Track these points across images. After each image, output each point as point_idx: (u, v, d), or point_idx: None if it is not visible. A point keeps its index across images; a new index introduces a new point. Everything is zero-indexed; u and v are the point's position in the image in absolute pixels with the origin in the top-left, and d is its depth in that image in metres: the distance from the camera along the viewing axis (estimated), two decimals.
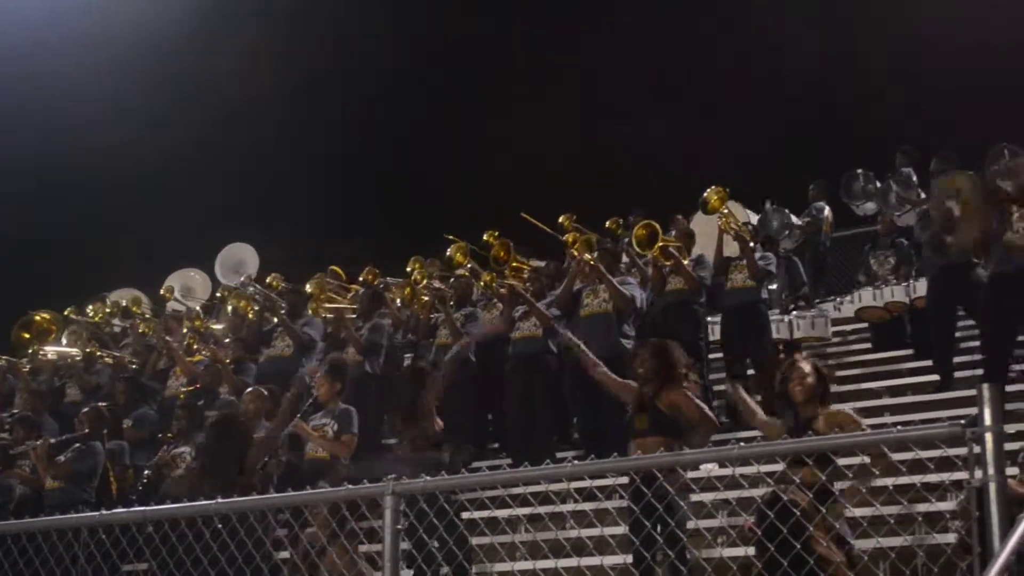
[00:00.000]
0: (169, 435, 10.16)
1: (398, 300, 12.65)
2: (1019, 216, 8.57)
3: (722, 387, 9.97)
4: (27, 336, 13.19)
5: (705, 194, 11.38)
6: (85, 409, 10.19)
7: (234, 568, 5.39)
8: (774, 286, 11.81)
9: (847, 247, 14.85)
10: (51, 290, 15.80)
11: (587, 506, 7.54)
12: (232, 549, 5.33)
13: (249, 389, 9.92)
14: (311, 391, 9.62)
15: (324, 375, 9.38)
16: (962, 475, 5.45)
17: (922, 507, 6.66)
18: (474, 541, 7.63)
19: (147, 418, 11.43)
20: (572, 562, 6.03)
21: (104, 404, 10.62)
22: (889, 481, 5.23)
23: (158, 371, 12.44)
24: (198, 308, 14.19)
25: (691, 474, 7.25)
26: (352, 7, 20.81)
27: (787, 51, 19.01)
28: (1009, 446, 4.10)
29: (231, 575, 5.36)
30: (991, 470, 3.32)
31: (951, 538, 6.05)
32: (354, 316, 11.82)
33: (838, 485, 6.01)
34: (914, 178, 12.97)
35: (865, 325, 12.24)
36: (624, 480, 6.70)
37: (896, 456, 4.49)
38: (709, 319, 11.60)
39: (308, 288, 12.38)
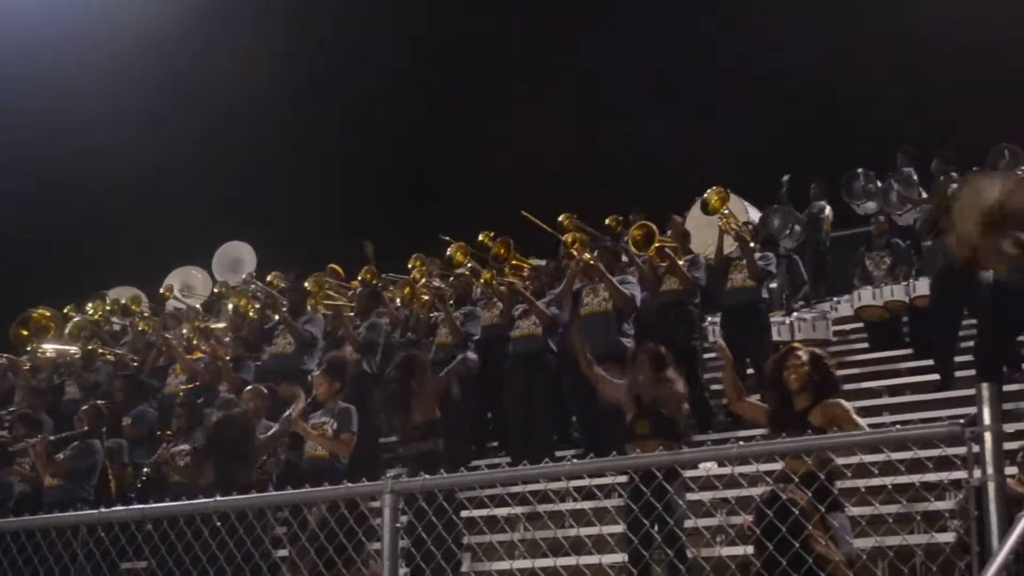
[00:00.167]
0: (168, 433, 10.16)
1: (398, 300, 12.66)
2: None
3: (719, 387, 9.98)
4: (25, 333, 13.18)
5: (705, 195, 11.38)
6: (84, 407, 10.19)
7: (233, 566, 5.39)
8: (774, 285, 11.81)
9: (847, 247, 14.84)
10: (51, 290, 15.78)
11: (586, 505, 7.54)
12: (231, 547, 5.33)
13: (249, 387, 9.92)
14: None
15: (323, 373, 9.37)
16: (961, 474, 5.46)
17: (921, 506, 6.66)
18: (473, 540, 7.64)
19: (146, 416, 11.43)
20: (571, 561, 6.03)
21: (103, 402, 10.62)
22: (888, 480, 5.23)
23: (157, 368, 12.44)
24: (198, 306, 14.19)
25: (690, 473, 7.25)
26: (352, 7, 20.82)
27: (787, 51, 19.02)
28: (1008, 445, 4.10)
29: (230, 573, 5.36)
30: (990, 469, 3.32)
31: (950, 537, 6.05)
32: (352, 314, 11.82)
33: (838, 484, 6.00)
34: (915, 177, 12.98)
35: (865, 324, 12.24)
36: (623, 479, 6.71)
37: (895, 455, 4.48)
38: (709, 319, 11.62)
39: (307, 285, 12.39)
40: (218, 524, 5.29)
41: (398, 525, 4.11)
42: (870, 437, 3.97)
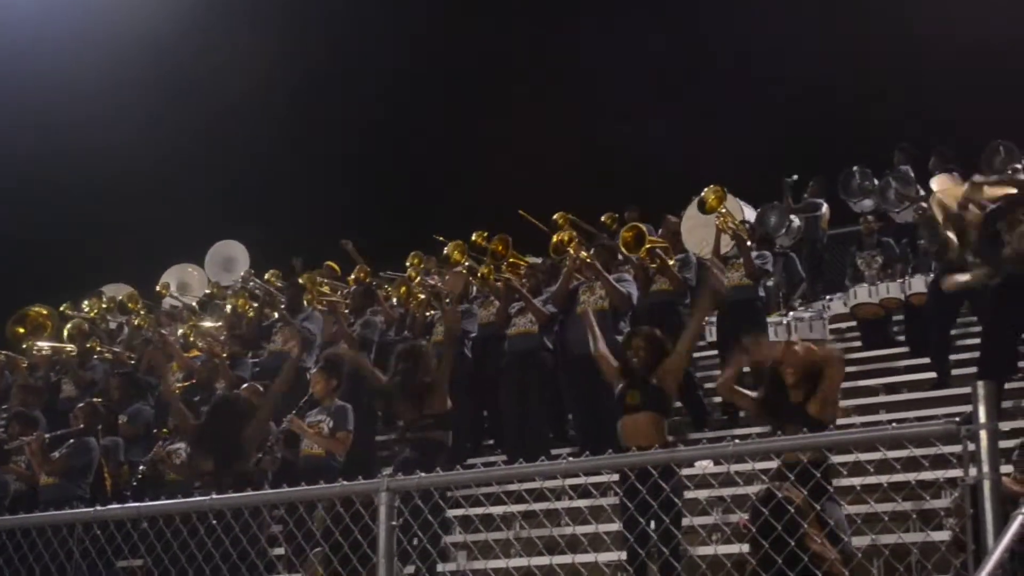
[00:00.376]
0: (164, 431, 10.15)
1: (394, 299, 12.65)
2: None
3: (713, 385, 9.96)
4: (21, 331, 13.18)
5: (703, 194, 11.37)
6: (80, 405, 10.19)
7: (228, 564, 5.38)
8: (771, 282, 11.81)
9: (844, 244, 14.84)
10: (50, 289, 15.78)
11: (582, 503, 7.52)
12: (227, 545, 5.31)
13: (245, 384, 9.92)
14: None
15: (319, 371, 9.34)
16: (956, 472, 5.44)
17: (916, 504, 6.65)
18: (469, 538, 7.63)
19: (142, 414, 11.41)
20: (567, 559, 6.01)
21: (99, 400, 10.61)
22: (884, 478, 5.22)
23: (153, 366, 12.42)
24: (194, 304, 14.19)
25: (686, 471, 7.23)
26: (352, 7, 20.83)
27: (787, 51, 19.02)
28: (1004, 443, 4.10)
29: (225, 571, 5.35)
30: (985, 467, 3.31)
31: (945, 535, 6.04)
32: (346, 312, 11.82)
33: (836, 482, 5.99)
34: (912, 174, 12.97)
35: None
36: (618, 475, 6.69)
37: (891, 453, 4.48)
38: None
39: (300, 281, 12.39)
40: (214, 522, 5.27)
41: (394, 524, 4.08)
42: (866, 435, 3.95)
